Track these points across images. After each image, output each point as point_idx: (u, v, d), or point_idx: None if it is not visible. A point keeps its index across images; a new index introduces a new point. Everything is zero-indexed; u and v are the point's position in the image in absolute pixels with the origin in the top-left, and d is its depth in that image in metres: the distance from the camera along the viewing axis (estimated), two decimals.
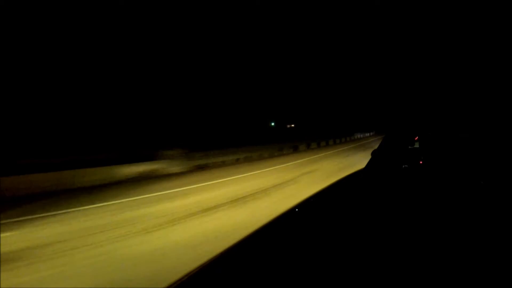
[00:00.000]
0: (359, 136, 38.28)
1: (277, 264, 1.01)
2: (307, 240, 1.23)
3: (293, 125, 30.35)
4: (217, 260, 1.14)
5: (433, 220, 1.41)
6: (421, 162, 5.66)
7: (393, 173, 4.04)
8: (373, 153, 7.07)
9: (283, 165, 11.85)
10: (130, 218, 4.77)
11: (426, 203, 1.80)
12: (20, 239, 4.03)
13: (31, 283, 2.84)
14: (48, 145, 11.66)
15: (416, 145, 6.96)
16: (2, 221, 4.60)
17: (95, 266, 3.11)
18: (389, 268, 0.90)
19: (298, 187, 7.33)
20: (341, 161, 13.05)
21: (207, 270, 1.07)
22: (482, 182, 2.22)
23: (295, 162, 12.88)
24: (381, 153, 6.64)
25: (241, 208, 5.24)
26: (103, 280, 2.73)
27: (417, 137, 7.07)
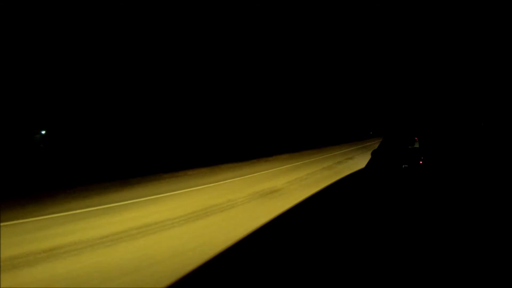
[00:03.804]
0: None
1: (277, 263, 1.00)
2: (309, 239, 1.23)
3: (43, 132, 18.23)
4: (216, 260, 1.13)
5: (433, 219, 1.41)
6: (421, 162, 5.68)
7: (393, 173, 4.05)
8: (373, 153, 7.09)
9: None
10: None
11: (426, 202, 1.80)
12: None
13: None
14: None
15: (416, 145, 6.99)
16: None
17: None
18: (389, 266, 0.90)
19: None
20: None
21: (206, 269, 1.06)
22: (481, 181, 2.22)
23: None
24: (381, 153, 6.67)
25: None
26: None
27: (417, 137, 7.10)
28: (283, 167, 8.98)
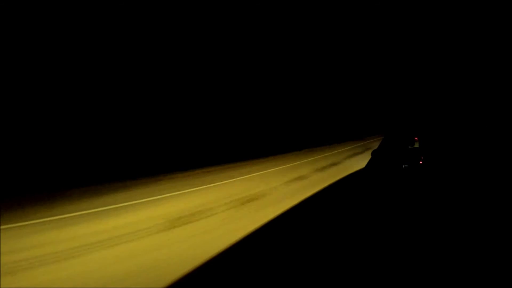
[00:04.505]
0: None
1: (277, 262, 1.01)
2: (309, 238, 1.23)
3: None
4: (215, 260, 1.14)
5: (433, 219, 1.41)
6: (421, 162, 5.68)
7: (393, 173, 4.04)
8: (373, 153, 7.09)
9: None
10: None
11: (426, 202, 1.80)
12: None
13: None
14: None
15: (416, 145, 6.99)
16: None
17: None
18: (389, 266, 0.90)
19: None
20: None
21: (205, 269, 1.07)
22: (481, 181, 2.23)
23: None
24: (381, 153, 6.67)
25: None
26: None
27: (417, 137, 7.10)
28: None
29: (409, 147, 6.44)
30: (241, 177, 6.77)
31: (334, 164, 8.88)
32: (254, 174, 7.26)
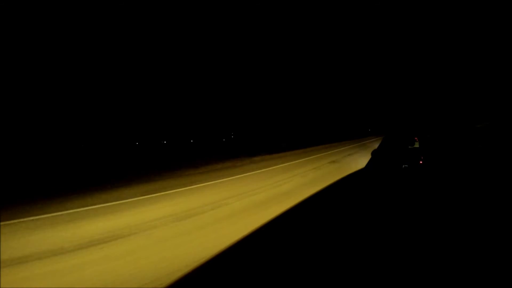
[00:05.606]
0: None
1: (277, 262, 1.00)
2: (309, 238, 1.23)
3: None
4: (215, 260, 1.13)
5: (433, 219, 1.41)
6: (421, 162, 5.67)
7: (393, 173, 4.03)
8: (373, 153, 7.08)
9: None
10: None
11: (426, 202, 1.80)
12: None
13: None
14: None
15: (416, 145, 6.97)
16: None
17: None
18: (389, 266, 0.90)
19: None
20: None
21: (205, 269, 1.06)
22: (481, 181, 2.22)
23: None
24: (381, 153, 6.66)
25: None
26: None
27: (417, 137, 7.09)
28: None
29: (409, 147, 6.42)
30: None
31: None
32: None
